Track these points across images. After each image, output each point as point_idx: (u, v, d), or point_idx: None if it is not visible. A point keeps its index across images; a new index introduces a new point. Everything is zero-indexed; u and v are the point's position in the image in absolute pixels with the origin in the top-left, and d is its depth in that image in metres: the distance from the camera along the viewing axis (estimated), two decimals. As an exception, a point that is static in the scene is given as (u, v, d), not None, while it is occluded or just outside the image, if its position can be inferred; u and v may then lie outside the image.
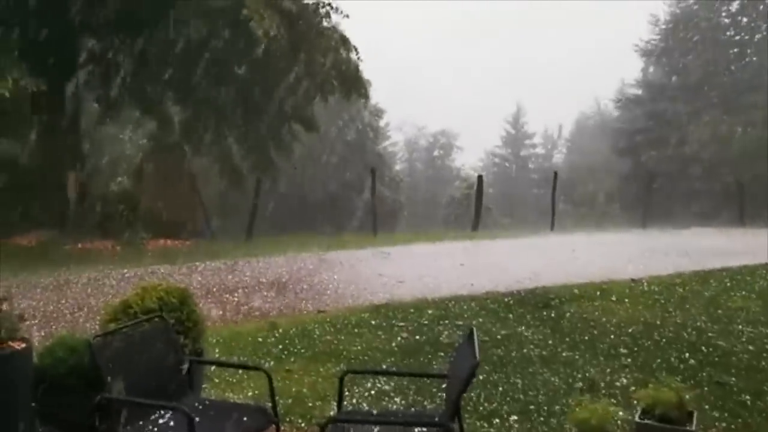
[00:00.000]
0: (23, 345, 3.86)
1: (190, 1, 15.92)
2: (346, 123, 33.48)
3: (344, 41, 18.05)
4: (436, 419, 3.61)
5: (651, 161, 32.93)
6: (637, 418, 3.65)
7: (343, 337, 6.88)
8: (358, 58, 18.35)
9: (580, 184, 36.27)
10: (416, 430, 3.35)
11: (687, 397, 3.80)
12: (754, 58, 34.26)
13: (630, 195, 32.55)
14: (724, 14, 35.89)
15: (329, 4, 17.68)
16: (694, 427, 3.57)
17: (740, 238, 15.53)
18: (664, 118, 34.57)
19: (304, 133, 20.79)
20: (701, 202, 30.23)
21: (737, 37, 35.58)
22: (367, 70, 18.73)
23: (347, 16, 18.11)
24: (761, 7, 33.80)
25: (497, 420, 4.77)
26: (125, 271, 10.71)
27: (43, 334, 6.90)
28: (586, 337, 6.74)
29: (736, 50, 35.50)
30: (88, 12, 15.73)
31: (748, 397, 5.14)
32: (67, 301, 8.61)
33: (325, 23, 17.81)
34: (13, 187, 16.03)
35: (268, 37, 15.27)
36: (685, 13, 36.42)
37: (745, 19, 35.27)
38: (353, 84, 18.43)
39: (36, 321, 7.54)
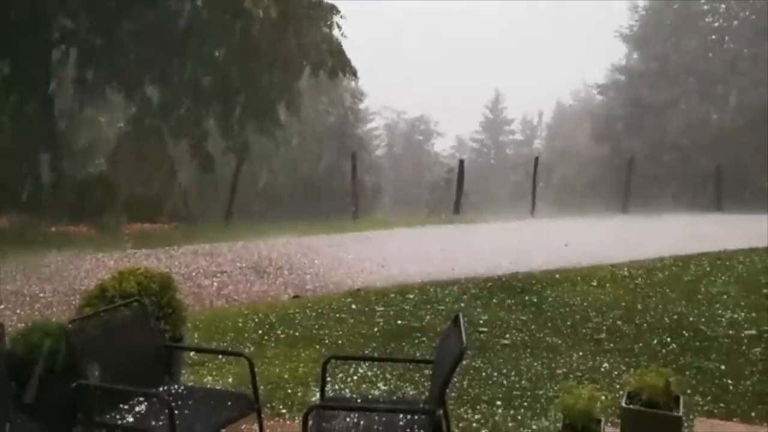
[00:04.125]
0: (-5, 330, 3.73)
1: None
2: (326, 106, 33.12)
3: (334, 11, 17.61)
4: (421, 406, 3.56)
5: (629, 147, 33.04)
6: (623, 403, 3.62)
7: (323, 322, 6.81)
8: (342, 34, 18.00)
9: (560, 169, 36.39)
10: (401, 416, 3.28)
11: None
12: (732, 45, 34.45)
13: (609, 181, 32.68)
14: (702, 0, 35.99)
15: None
16: (680, 412, 3.55)
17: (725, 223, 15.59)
18: (642, 104, 34.68)
19: (283, 117, 20.38)
20: (678, 187, 30.45)
21: (716, 24, 35.70)
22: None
23: None
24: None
25: (481, 406, 4.74)
26: (101, 254, 10.54)
27: (16, 318, 6.77)
28: (569, 323, 6.74)
29: (714, 37, 35.61)
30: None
31: (730, 381, 5.16)
32: (42, 285, 8.44)
33: None
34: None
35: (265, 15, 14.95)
36: (663, -1, 36.45)
37: (723, 6, 35.38)
38: (339, 61, 18.07)
39: (9, 305, 7.39)
